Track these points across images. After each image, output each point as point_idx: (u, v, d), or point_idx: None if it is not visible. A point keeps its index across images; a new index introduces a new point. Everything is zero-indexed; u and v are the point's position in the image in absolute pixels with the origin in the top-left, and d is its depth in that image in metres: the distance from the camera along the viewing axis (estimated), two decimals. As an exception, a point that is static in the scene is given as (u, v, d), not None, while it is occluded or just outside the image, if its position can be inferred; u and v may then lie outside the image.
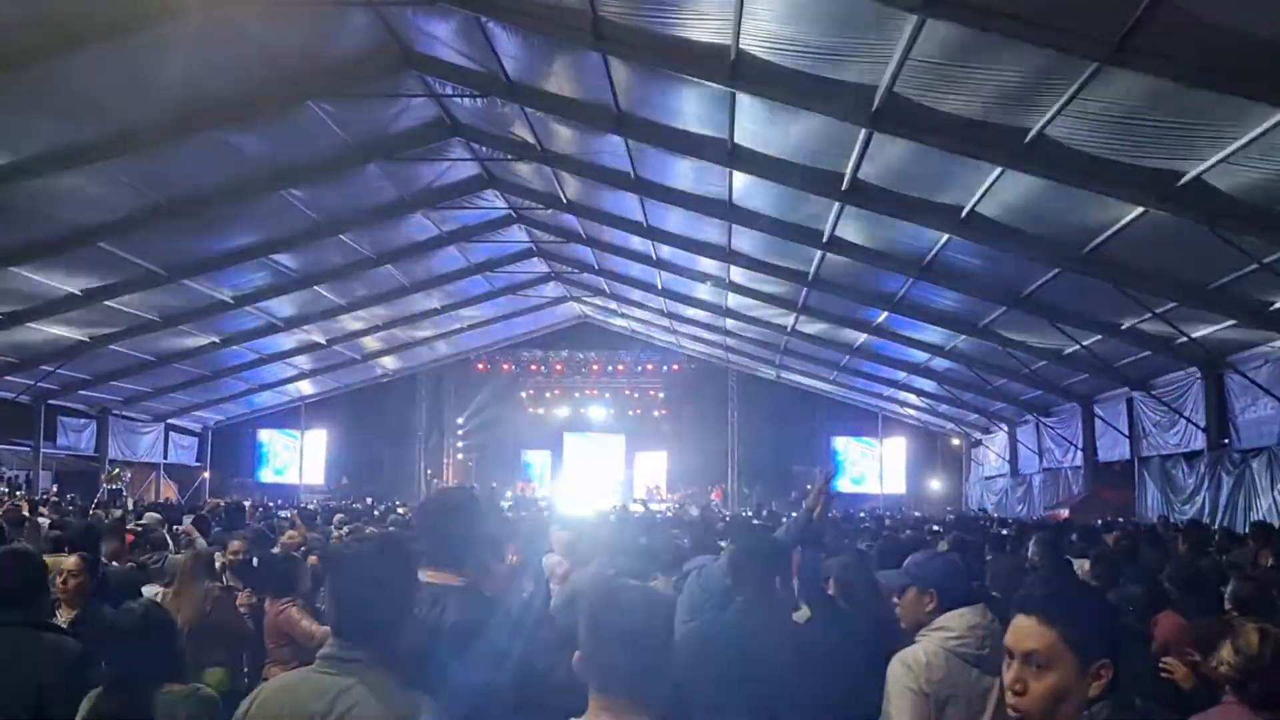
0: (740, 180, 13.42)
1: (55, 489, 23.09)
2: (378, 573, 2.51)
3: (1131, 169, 9.87)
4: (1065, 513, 19.41)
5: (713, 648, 3.41)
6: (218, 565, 6.76)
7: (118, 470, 21.45)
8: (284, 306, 21.58)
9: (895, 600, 3.81)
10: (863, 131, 10.49)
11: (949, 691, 3.41)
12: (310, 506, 21.22)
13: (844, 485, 31.80)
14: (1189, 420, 16.21)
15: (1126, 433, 19.00)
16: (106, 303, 17.74)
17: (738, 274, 18.71)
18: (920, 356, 21.42)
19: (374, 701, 2.33)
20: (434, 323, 27.27)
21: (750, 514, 20.95)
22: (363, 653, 2.40)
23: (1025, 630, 2.11)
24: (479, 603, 3.26)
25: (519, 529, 7.93)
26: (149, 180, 13.75)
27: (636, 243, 19.03)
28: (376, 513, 16.66)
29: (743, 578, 3.61)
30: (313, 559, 7.24)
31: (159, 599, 6.13)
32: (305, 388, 30.91)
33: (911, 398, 27.34)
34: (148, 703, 3.50)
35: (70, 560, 5.36)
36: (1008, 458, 26.09)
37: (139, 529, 9.30)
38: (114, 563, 7.12)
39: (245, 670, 6.05)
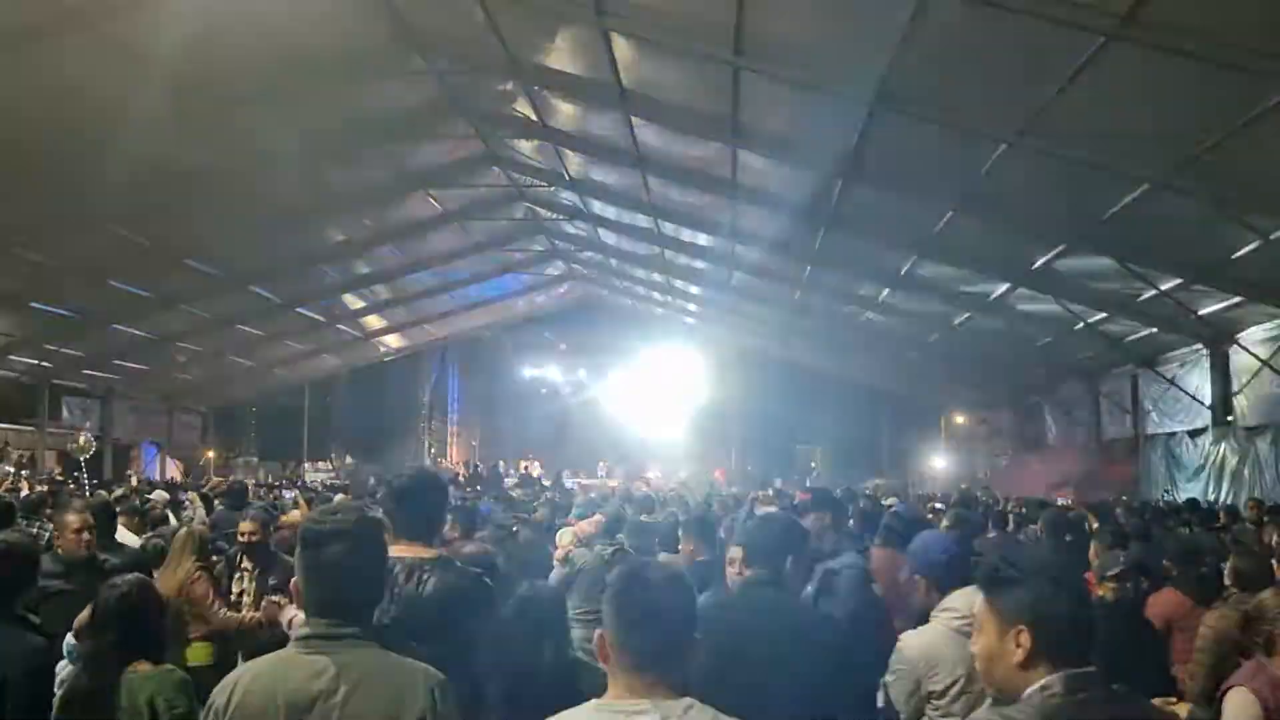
0: (743, 157, 13.34)
1: (59, 470, 23.14)
2: (361, 548, 2.46)
3: (1137, 145, 9.79)
4: (1070, 491, 19.41)
5: (715, 625, 3.39)
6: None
7: (86, 440, 21.22)
8: (286, 285, 21.54)
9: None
10: (866, 108, 10.41)
11: (952, 669, 3.43)
12: (314, 485, 21.30)
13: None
14: (1194, 398, 16.17)
15: (1131, 410, 18.97)
16: (110, 282, 17.72)
17: (742, 251, 18.65)
18: (924, 333, 21.36)
19: (383, 674, 2.31)
20: (437, 301, 27.25)
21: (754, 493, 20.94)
22: (352, 629, 2.36)
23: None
24: (460, 571, 3.34)
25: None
26: (149, 159, 13.67)
27: (640, 220, 18.97)
28: (379, 493, 16.68)
29: (756, 556, 3.59)
30: None
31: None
32: (308, 367, 30.92)
33: (916, 375, 27.30)
34: (114, 680, 3.49)
35: (76, 517, 5.52)
36: (1012, 435, 26.07)
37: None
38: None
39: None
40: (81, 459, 19.74)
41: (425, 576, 3.16)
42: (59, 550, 5.53)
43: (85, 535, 5.47)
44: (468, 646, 3.03)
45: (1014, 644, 2.18)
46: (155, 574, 6.13)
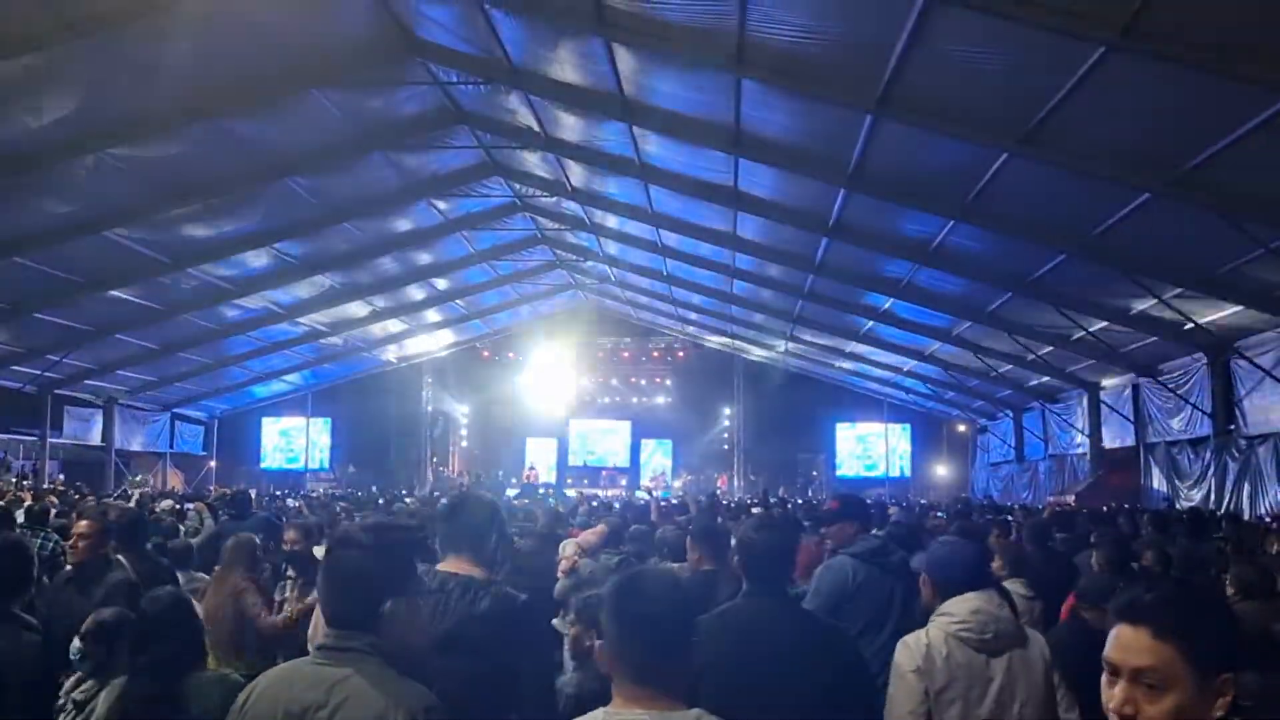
0: (745, 166, 13.38)
1: (62, 478, 23.17)
2: (372, 561, 2.42)
3: (1137, 154, 9.84)
4: (1072, 499, 19.40)
5: (718, 639, 3.40)
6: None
7: (141, 477, 21.61)
8: (288, 294, 21.59)
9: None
10: (868, 117, 10.45)
11: (948, 675, 3.43)
12: (316, 495, 21.30)
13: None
14: (1195, 406, 16.19)
15: (1132, 419, 18.98)
16: (112, 291, 17.76)
17: (743, 260, 18.68)
18: (926, 342, 21.39)
19: (371, 691, 2.28)
20: (439, 310, 27.29)
21: (755, 500, 20.95)
22: (358, 642, 2.35)
23: (1134, 644, 1.79)
24: (511, 596, 3.35)
25: None
26: (153, 168, 13.73)
27: (642, 230, 19.01)
28: (381, 501, 16.68)
29: (754, 566, 3.59)
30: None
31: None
32: (310, 376, 30.95)
33: (917, 384, 27.31)
34: (180, 687, 3.52)
35: (82, 524, 5.50)
36: (1013, 444, 26.09)
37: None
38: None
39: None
40: (131, 492, 19.91)
41: (480, 596, 3.19)
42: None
43: (77, 543, 5.47)
44: (512, 669, 3.04)
45: (1218, 695, 1.76)
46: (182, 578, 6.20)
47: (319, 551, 6.81)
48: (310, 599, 5.97)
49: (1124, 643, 1.81)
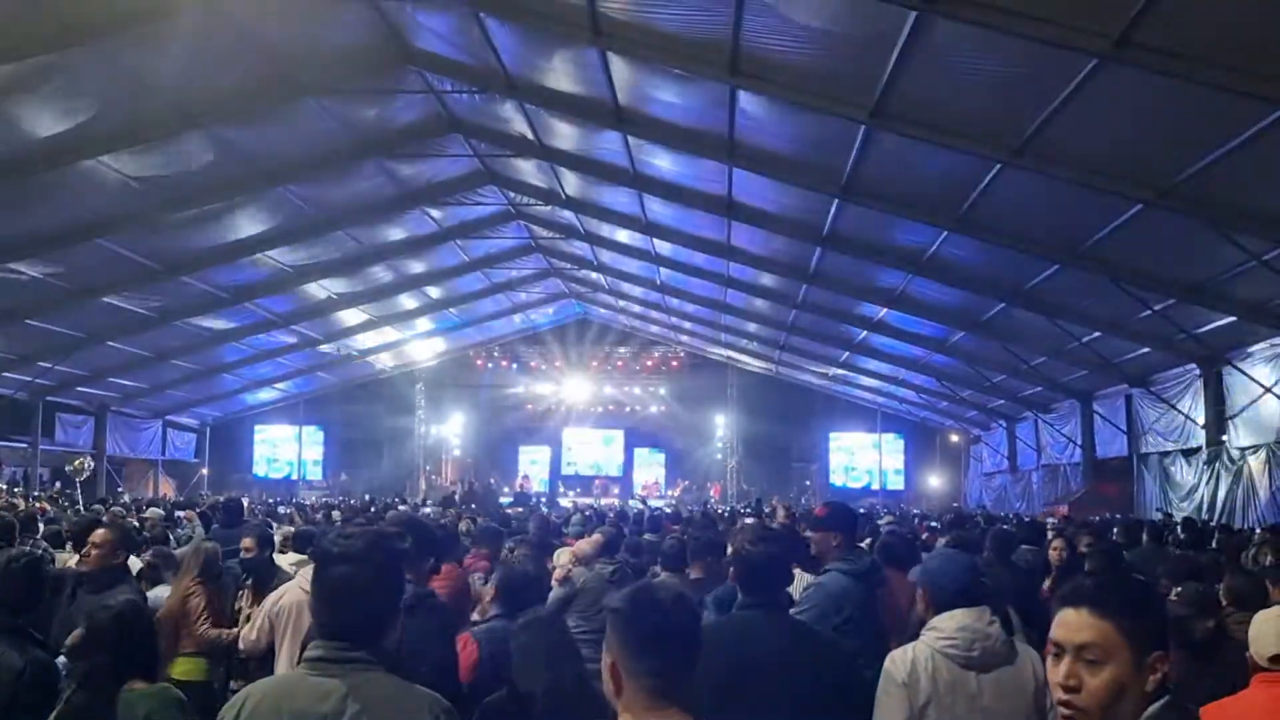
0: (739, 176, 13.40)
1: (58, 485, 23.06)
2: (370, 570, 2.40)
3: (1131, 165, 9.87)
4: (1065, 509, 19.42)
5: (717, 647, 3.38)
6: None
7: (81, 460, 21.10)
8: (281, 302, 21.55)
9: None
10: (862, 128, 10.48)
11: (932, 690, 3.40)
12: (308, 503, 21.23)
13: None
14: (1187, 417, 16.22)
15: (1125, 429, 19.02)
16: (104, 299, 17.70)
17: (737, 270, 18.70)
18: (919, 352, 21.42)
19: (388, 700, 2.28)
20: (432, 318, 27.26)
21: (749, 509, 20.93)
22: (358, 653, 2.33)
23: (1077, 623, 1.98)
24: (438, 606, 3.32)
25: None
26: (148, 176, 13.69)
27: (635, 239, 19.02)
28: (373, 509, 16.61)
29: (752, 581, 3.56)
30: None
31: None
32: (303, 383, 30.87)
33: (910, 394, 27.34)
34: (111, 699, 3.49)
35: (99, 532, 5.54)
36: (1006, 454, 26.12)
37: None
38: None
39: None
40: (77, 480, 19.72)
41: None
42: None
43: (90, 551, 5.52)
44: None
45: (1151, 672, 1.92)
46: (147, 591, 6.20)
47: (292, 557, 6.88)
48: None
49: (1068, 623, 2.00)
